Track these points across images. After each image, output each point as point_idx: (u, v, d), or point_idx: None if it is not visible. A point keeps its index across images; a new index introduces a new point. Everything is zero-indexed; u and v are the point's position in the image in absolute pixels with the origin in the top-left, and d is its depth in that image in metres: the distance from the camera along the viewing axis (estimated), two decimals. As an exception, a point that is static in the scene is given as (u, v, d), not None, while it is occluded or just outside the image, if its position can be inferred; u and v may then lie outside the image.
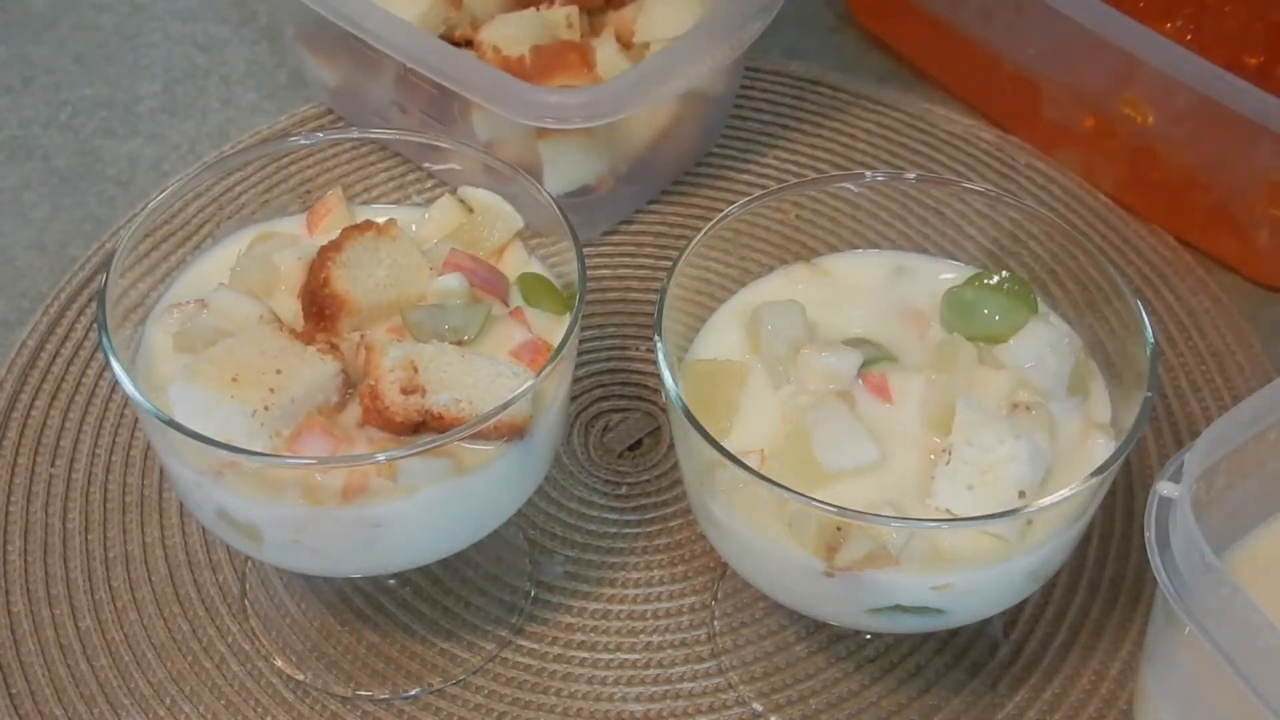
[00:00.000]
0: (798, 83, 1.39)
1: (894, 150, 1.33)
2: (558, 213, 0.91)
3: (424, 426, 0.82)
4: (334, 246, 0.88)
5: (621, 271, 1.23)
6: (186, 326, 0.88)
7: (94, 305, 1.16)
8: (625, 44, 1.21)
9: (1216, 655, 0.74)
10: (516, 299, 0.92)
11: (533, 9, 1.22)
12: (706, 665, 0.99)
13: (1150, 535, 0.78)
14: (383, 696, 0.98)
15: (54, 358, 1.15)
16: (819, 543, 0.80)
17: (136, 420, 1.10)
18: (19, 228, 1.27)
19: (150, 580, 1.03)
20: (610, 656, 1.00)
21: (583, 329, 0.99)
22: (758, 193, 0.95)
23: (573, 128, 1.11)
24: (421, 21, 1.19)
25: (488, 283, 0.90)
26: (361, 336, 0.86)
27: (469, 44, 1.22)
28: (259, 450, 0.80)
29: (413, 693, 0.98)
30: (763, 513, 0.82)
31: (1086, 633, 1.01)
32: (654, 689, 0.98)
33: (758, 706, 0.97)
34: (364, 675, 0.99)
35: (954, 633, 1.00)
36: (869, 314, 0.93)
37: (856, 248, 0.97)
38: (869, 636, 1.00)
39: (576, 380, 1.11)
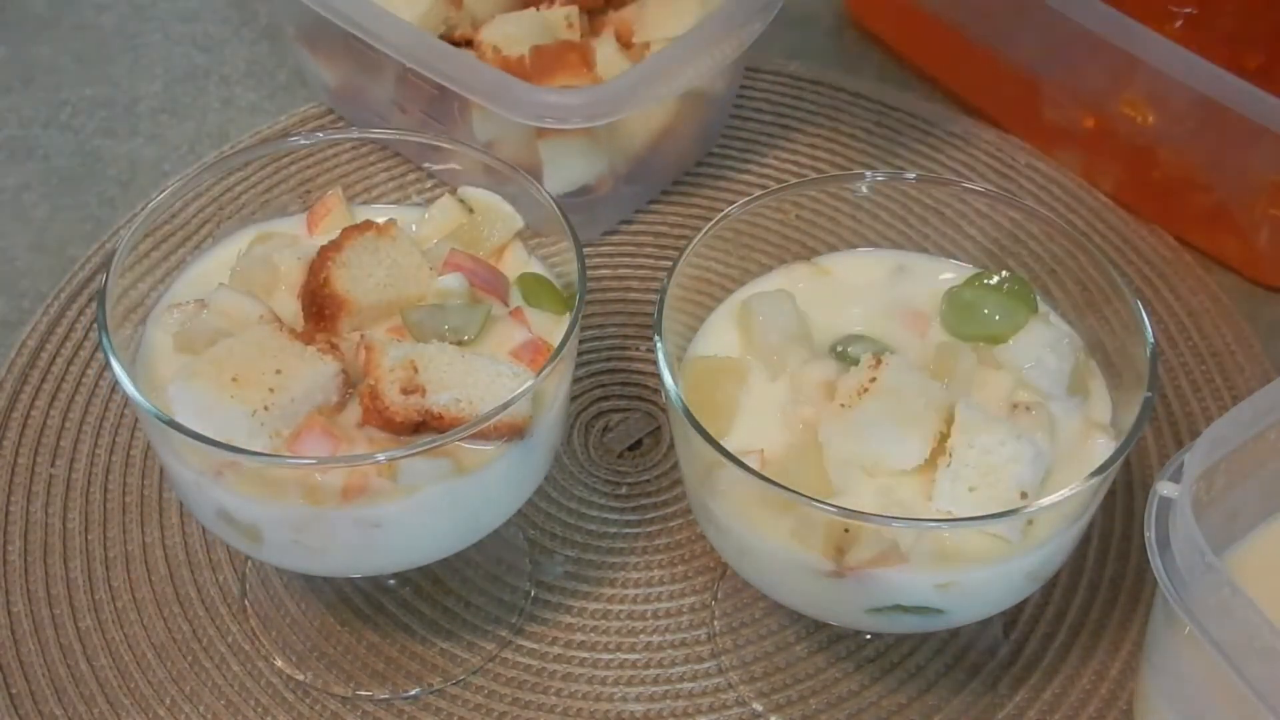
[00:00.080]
0: (798, 83, 1.39)
1: (894, 150, 1.32)
2: (558, 213, 0.91)
3: (424, 426, 0.82)
4: (334, 246, 0.88)
5: (621, 271, 1.23)
6: (186, 326, 0.87)
7: (94, 305, 1.16)
8: (625, 44, 1.21)
9: (1216, 655, 0.74)
10: (516, 299, 0.92)
11: (533, 9, 1.22)
12: (706, 665, 0.99)
13: (1150, 535, 0.78)
14: (383, 696, 0.98)
15: (54, 358, 1.15)
16: (827, 544, 0.79)
17: (136, 420, 1.10)
18: (19, 228, 1.27)
19: (150, 580, 1.02)
20: (610, 656, 1.00)
21: (583, 329, 0.99)
22: (758, 193, 0.94)
23: (573, 128, 1.11)
24: (421, 21, 1.19)
25: (488, 283, 0.90)
26: (361, 336, 0.86)
27: (469, 44, 1.22)
28: (259, 450, 0.80)
29: (413, 693, 0.98)
30: (763, 513, 0.82)
31: (1086, 633, 1.01)
32: (654, 689, 0.98)
33: (758, 706, 0.97)
34: (364, 675, 0.99)
35: (954, 633, 1.00)
36: (869, 313, 0.93)
37: (856, 247, 0.97)
38: (869, 636, 1.00)
39: (576, 380, 1.11)
